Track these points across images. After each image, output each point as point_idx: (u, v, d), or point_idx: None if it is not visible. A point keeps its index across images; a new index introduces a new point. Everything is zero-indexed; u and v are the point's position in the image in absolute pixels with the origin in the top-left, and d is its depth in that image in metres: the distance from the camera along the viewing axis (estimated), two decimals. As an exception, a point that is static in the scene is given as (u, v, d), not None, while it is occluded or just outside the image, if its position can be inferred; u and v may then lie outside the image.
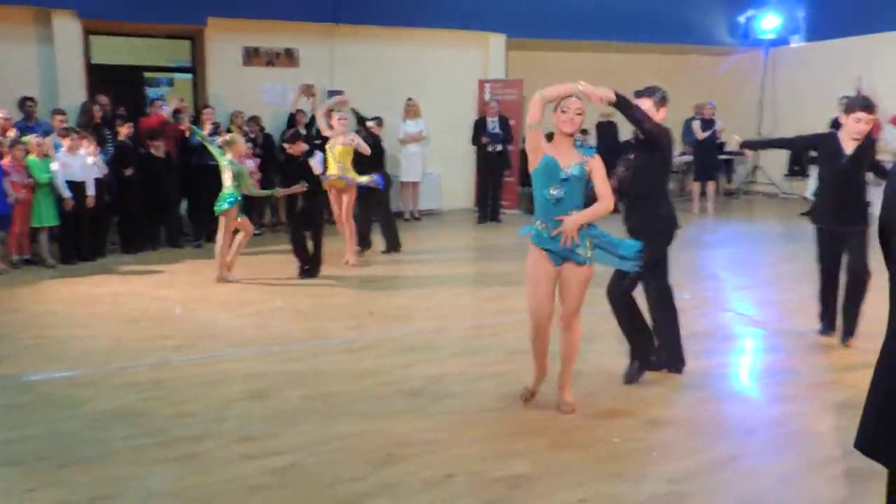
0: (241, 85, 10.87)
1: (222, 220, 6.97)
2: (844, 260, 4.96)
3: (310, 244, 7.32)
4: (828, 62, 12.52)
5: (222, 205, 6.92)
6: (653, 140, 4.19)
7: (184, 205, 9.37)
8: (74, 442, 3.68)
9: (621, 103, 3.99)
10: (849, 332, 4.98)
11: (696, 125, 11.72)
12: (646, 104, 4.28)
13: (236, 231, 7.14)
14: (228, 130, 9.99)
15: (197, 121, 9.40)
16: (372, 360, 4.93)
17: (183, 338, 5.39)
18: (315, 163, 7.79)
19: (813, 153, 5.37)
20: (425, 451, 3.57)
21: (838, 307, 5.07)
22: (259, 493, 3.20)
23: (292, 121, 10.21)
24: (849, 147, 4.78)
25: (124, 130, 8.54)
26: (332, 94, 11.09)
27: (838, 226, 4.89)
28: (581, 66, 13.70)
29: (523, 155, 12.11)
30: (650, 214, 4.34)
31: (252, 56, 11.14)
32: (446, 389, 4.36)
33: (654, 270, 4.38)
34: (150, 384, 4.47)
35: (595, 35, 12.58)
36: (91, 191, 7.88)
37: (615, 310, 4.41)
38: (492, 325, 5.71)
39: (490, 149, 11.02)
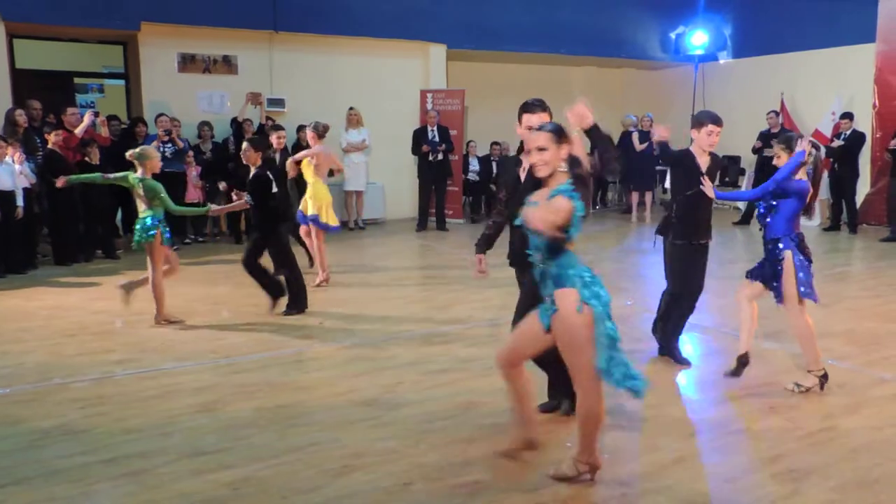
0: (177, 92, 10.63)
1: (151, 254, 5.80)
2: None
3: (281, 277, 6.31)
4: (753, 78, 13.12)
5: (143, 235, 5.72)
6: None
7: (119, 214, 9.08)
8: (13, 462, 3.52)
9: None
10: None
11: (635, 136, 12.09)
12: (545, 118, 3.87)
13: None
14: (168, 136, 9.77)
15: (132, 133, 9.16)
16: (323, 371, 4.88)
17: (125, 351, 5.22)
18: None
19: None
20: (382, 460, 3.57)
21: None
22: (213, 508, 3.13)
23: (239, 129, 10.06)
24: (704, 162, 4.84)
25: (53, 138, 8.22)
26: (271, 102, 11.01)
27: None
28: (521, 78, 14.06)
29: (465, 163, 12.31)
30: None
31: (188, 63, 10.92)
32: (400, 399, 4.35)
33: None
34: (92, 399, 4.31)
35: (534, 47, 12.86)
36: (20, 201, 7.55)
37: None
38: (442, 334, 5.74)
39: (431, 157, 11.10)
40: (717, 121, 4.80)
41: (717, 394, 4.55)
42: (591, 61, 14.25)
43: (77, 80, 12.14)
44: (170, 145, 9.43)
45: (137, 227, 5.78)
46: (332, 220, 7.40)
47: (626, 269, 8.63)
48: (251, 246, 6.31)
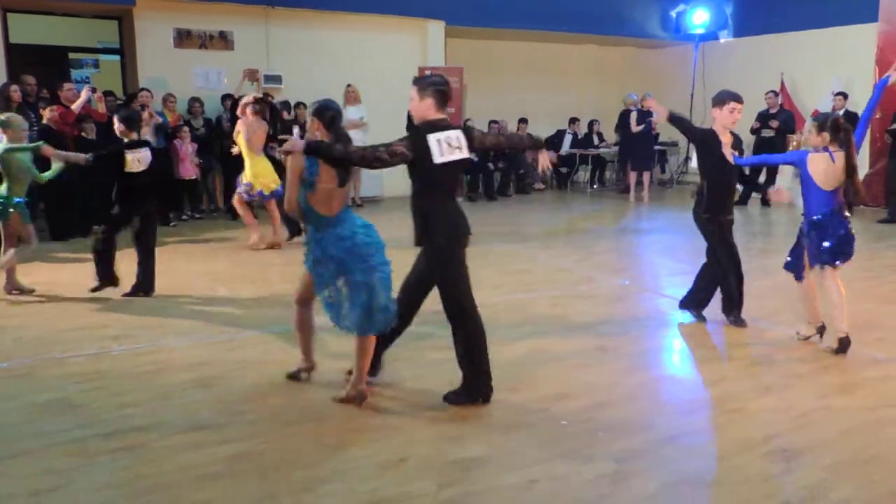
0: (173, 68, 10.54)
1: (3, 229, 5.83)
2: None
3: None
4: (754, 57, 13.05)
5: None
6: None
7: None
8: (12, 434, 3.54)
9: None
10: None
11: (633, 116, 12.03)
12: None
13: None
14: (161, 114, 9.71)
15: (129, 104, 9.09)
16: (318, 346, 4.88)
17: (121, 327, 5.22)
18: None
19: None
20: (377, 436, 3.59)
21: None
22: (211, 482, 3.15)
23: (235, 106, 9.99)
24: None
25: (48, 114, 8.15)
26: (268, 78, 10.92)
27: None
28: (519, 56, 13.98)
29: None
30: None
31: (184, 38, 10.81)
32: (395, 375, 4.37)
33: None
34: (90, 374, 4.32)
35: (533, 24, 12.75)
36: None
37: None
38: (438, 312, 5.72)
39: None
40: (738, 98, 5.00)
41: (715, 373, 4.58)
42: (591, 39, 14.14)
43: (72, 56, 12.03)
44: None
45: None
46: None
47: (624, 249, 8.64)
48: None
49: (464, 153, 3.81)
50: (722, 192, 5.10)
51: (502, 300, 6.08)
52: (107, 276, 6.02)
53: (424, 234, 3.86)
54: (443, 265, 3.88)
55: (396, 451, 3.42)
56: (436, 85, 3.77)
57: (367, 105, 11.26)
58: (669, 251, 8.36)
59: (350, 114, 11.12)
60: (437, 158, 3.69)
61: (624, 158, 13.04)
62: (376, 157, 3.66)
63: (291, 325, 4.27)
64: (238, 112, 7.98)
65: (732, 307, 5.28)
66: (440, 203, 3.82)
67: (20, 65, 9.52)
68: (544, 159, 4.38)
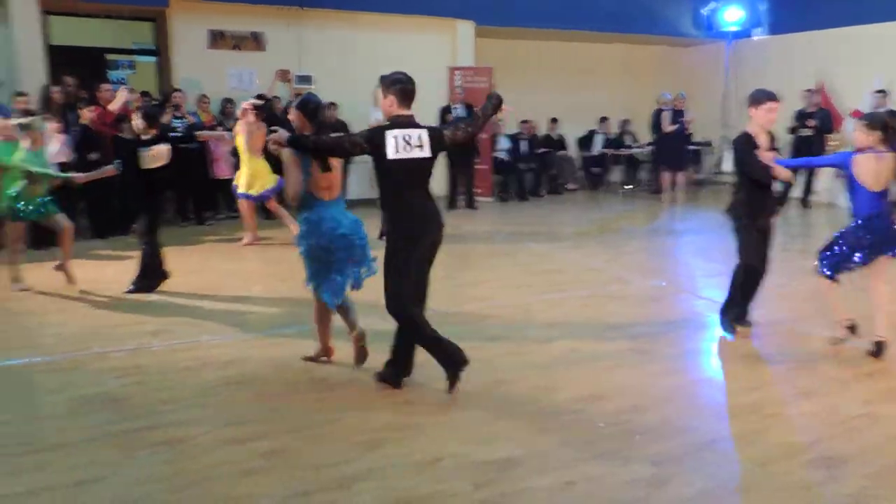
0: (207, 69, 10.67)
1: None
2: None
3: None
4: (789, 56, 12.81)
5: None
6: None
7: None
8: (56, 427, 3.63)
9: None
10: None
11: (665, 116, 11.90)
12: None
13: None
14: (195, 115, 9.84)
15: (164, 104, 9.23)
16: (351, 344, 4.91)
17: (160, 323, 5.31)
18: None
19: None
20: (411, 434, 3.60)
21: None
22: (248, 476, 3.19)
23: (269, 106, 10.09)
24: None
25: (87, 114, 8.31)
26: (300, 79, 11.01)
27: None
28: (549, 55, 13.90)
29: (493, 142, 12.25)
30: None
31: (218, 39, 10.94)
32: (427, 375, 4.36)
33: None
34: (130, 369, 4.41)
35: (563, 24, 12.68)
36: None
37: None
38: (470, 312, 5.75)
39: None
40: (775, 98, 4.89)
41: (754, 377, 4.50)
42: (621, 38, 14.02)
43: (109, 57, 12.23)
44: (183, 120, 9.48)
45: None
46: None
47: (658, 250, 8.55)
48: None
49: (424, 152, 3.90)
50: (761, 195, 4.97)
51: (534, 300, 6.06)
52: (157, 275, 6.19)
53: (385, 228, 4.18)
54: (389, 258, 3.95)
55: (431, 451, 3.43)
56: (398, 83, 3.91)
57: (397, 105, 11.27)
58: (704, 252, 8.26)
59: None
60: (391, 154, 3.82)
61: (657, 158, 12.89)
62: (339, 146, 4.00)
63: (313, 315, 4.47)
64: (239, 115, 8.22)
65: (736, 305, 5.14)
66: (396, 199, 3.94)
67: (60, 66, 9.72)
68: (505, 110, 4.37)
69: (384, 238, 4.09)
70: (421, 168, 3.95)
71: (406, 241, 3.92)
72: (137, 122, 6.08)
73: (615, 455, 3.40)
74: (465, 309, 5.85)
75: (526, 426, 3.70)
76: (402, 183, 3.91)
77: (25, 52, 9.33)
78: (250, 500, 3.02)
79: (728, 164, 14.10)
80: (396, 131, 3.84)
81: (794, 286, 6.18)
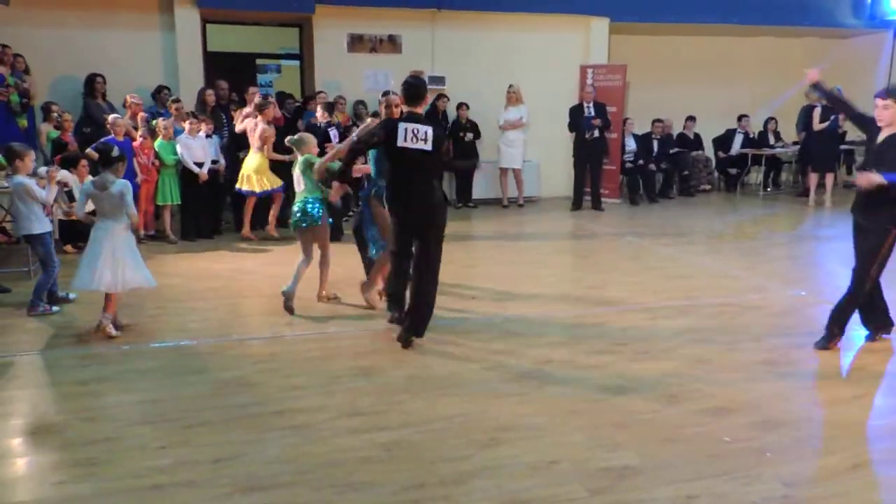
0: (345, 71, 11.13)
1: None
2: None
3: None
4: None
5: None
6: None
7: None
8: (198, 406, 3.93)
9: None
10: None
11: (816, 113, 11.09)
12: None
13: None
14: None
15: (305, 107, 9.71)
16: (476, 343, 4.98)
17: (293, 315, 5.61)
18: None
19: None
20: (529, 435, 3.60)
21: None
22: (368, 465, 3.31)
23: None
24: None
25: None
26: (432, 80, 11.23)
27: None
28: (687, 51, 13.32)
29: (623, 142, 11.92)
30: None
31: (356, 43, 11.36)
32: (549, 376, 4.35)
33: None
34: (265, 356, 4.71)
35: (702, 18, 12.11)
36: (205, 168, 8.34)
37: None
38: (595, 315, 5.65)
39: (587, 135, 10.83)
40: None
41: (901, 398, 4.13)
42: (767, 31, 13.18)
43: (258, 61, 13.07)
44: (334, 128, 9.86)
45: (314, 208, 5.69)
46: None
47: (800, 257, 8.00)
48: None
49: (426, 146, 4.62)
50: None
51: (662, 306, 5.86)
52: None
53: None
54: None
55: (546, 453, 3.41)
56: (406, 84, 4.73)
57: (528, 104, 11.25)
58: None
59: (511, 114, 11.18)
60: (399, 142, 4.60)
61: (804, 158, 12.03)
62: (365, 142, 4.90)
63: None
64: (251, 109, 8.51)
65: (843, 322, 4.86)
66: (397, 178, 4.75)
67: (215, 70, 10.50)
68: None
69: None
70: (420, 158, 4.64)
71: (393, 214, 4.88)
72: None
73: (743, 472, 3.23)
74: (592, 311, 5.76)
75: (646, 436, 3.60)
76: (403, 166, 4.68)
77: (186, 58, 10.17)
78: (368, 487, 3.13)
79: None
80: (408, 125, 4.63)
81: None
